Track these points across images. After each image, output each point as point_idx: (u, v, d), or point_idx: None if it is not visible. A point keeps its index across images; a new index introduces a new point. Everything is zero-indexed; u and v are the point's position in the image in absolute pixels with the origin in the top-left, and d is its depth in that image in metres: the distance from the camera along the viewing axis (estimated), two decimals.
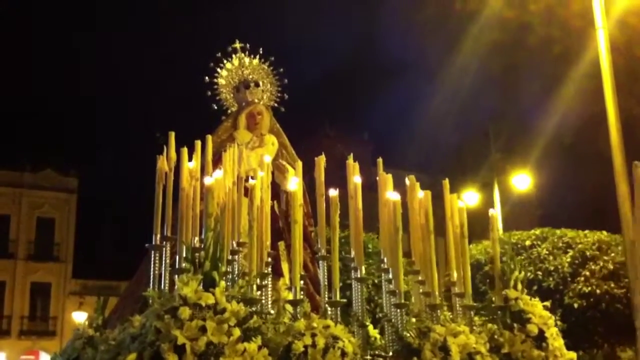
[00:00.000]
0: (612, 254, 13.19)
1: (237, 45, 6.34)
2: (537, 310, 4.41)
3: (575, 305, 12.72)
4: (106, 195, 43.25)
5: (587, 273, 13.01)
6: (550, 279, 13.02)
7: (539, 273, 13.15)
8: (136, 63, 51.02)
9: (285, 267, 5.61)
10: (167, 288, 4.32)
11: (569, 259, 13.16)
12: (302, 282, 4.17)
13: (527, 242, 13.51)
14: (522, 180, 22.23)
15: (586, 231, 13.82)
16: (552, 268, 13.14)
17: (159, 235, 4.43)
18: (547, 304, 4.49)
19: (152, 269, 4.38)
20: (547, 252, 13.36)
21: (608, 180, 11.03)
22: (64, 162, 39.51)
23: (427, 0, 22.05)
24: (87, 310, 33.11)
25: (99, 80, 52.54)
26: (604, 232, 13.74)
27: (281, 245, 5.67)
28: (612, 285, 12.83)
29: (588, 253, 13.20)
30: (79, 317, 33.21)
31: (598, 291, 12.72)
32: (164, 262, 4.44)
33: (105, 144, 53.44)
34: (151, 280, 4.38)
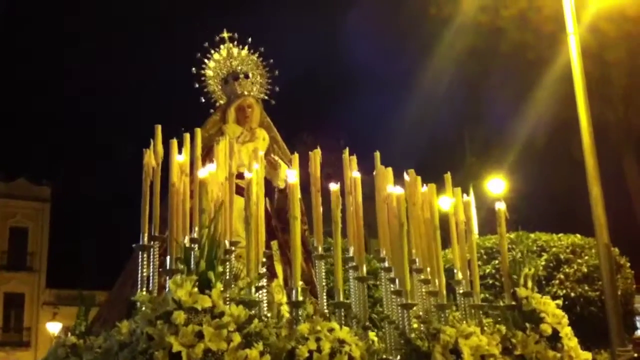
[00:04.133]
0: (586, 257, 13.23)
1: (225, 34, 6.04)
2: (550, 309, 4.18)
3: None
4: (80, 205, 42.54)
5: (562, 276, 13.00)
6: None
7: (514, 277, 13.08)
8: (111, 69, 50.27)
9: (278, 267, 5.34)
10: (155, 291, 4.04)
11: (543, 262, 13.10)
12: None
13: None
14: (497, 185, 22.20)
15: (560, 234, 13.82)
16: None
17: (146, 235, 4.12)
18: (560, 302, 4.27)
19: (139, 271, 4.07)
20: (520, 257, 13.29)
21: (581, 183, 11.02)
22: (37, 171, 38.89)
23: (401, 6, 22.00)
24: (62, 321, 32.56)
25: (72, 88, 51.78)
26: (578, 236, 13.80)
27: (274, 244, 5.38)
28: (587, 288, 12.86)
29: (562, 256, 13.21)
30: (53, 328, 32.65)
31: (572, 294, 12.70)
32: (151, 263, 4.13)
33: (78, 153, 52.61)
34: (139, 283, 4.07)
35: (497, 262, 12.57)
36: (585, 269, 13.05)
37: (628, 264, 14.11)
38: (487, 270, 12.36)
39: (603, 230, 10.37)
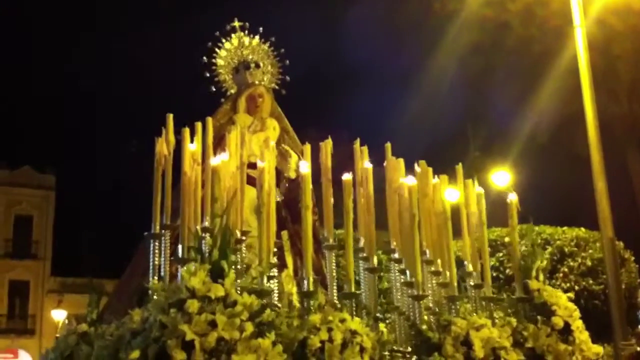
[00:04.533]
0: (590, 251, 13.23)
1: (236, 24, 6.00)
2: (562, 301, 4.17)
3: None
4: (85, 193, 42.59)
5: (566, 269, 12.99)
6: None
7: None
8: (116, 59, 50.21)
9: (288, 258, 5.31)
10: (166, 280, 4.04)
11: (547, 256, 13.10)
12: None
13: (507, 239, 13.46)
14: (502, 178, 22.14)
15: (564, 228, 13.79)
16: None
17: (158, 224, 4.11)
18: (571, 295, 4.25)
19: (151, 260, 4.06)
20: (525, 249, 13.28)
21: (586, 177, 11.00)
22: (42, 159, 38.90)
23: (405, 1, 21.89)
24: (66, 308, 32.59)
25: (77, 76, 51.66)
26: (582, 229, 13.76)
27: (284, 235, 5.35)
28: (591, 281, 12.85)
29: (566, 249, 13.19)
30: (58, 315, 32.72)
31: (576, 287, 12.68)
32: (162, 252, 4.13)
33: (83, 141, 52.62)
34: (150, 272, 4.06)
35: (500, 255, 12.57)
36: (589, 263, 13.05)
37: (632, 258, 14.10)
38: (491, 263, 12.36)
39: (607, 224, 10.34)
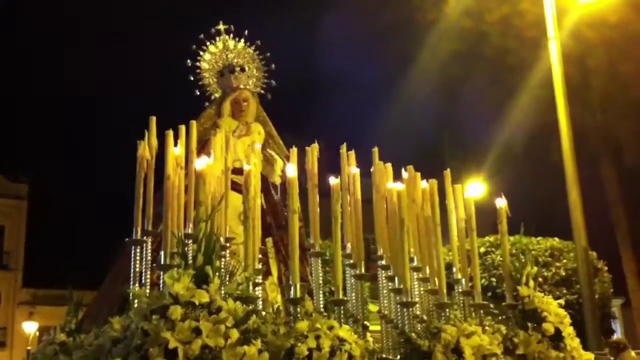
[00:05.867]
0: (564, 261, 13.39)
1: (221, 27, 5.91)
2: (552, 308, 4.12)
3: None
4: (58, 202, 42.03)
5: (540, 279, 13.04)
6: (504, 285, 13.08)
7: (493, 279, 13.19)
8: (91, 64, 49.72)
9: (273, 265, 5.22)
10: (147, 288, 3.91)
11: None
12: None
13: (482, 249, 13.55)
14: (476, 188, 22.21)
15: (539, 238, 13.88)
16: None
17: (139, 229, 3.98)
18: (562, 301, 4.21)
19: (132, 266, 3.93)
20: (500, 259, 13.41)
21: (560, 187, 11.06)
22: (14, 168, 38.27)
23: (381, 10, 21.97)
24: (38, 320, 32.15)
25: (51, 82, 51.11)
26: (556, 239, 13.90)
27: (269, 242, 5.26)
28: (565, 291, 12.96)
29: (541, 259, 13.29)
30: (29, 327, 32.22)
31: (551, 297, 12.78)
32: (144, 259, 4.00)
33: (56, 149, 52.01)
34: (131, 279, 3.93)
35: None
36: (563, 272, 13.20)
37: (605, 268, 14.21)
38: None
39: (581, 234, 10.41)
